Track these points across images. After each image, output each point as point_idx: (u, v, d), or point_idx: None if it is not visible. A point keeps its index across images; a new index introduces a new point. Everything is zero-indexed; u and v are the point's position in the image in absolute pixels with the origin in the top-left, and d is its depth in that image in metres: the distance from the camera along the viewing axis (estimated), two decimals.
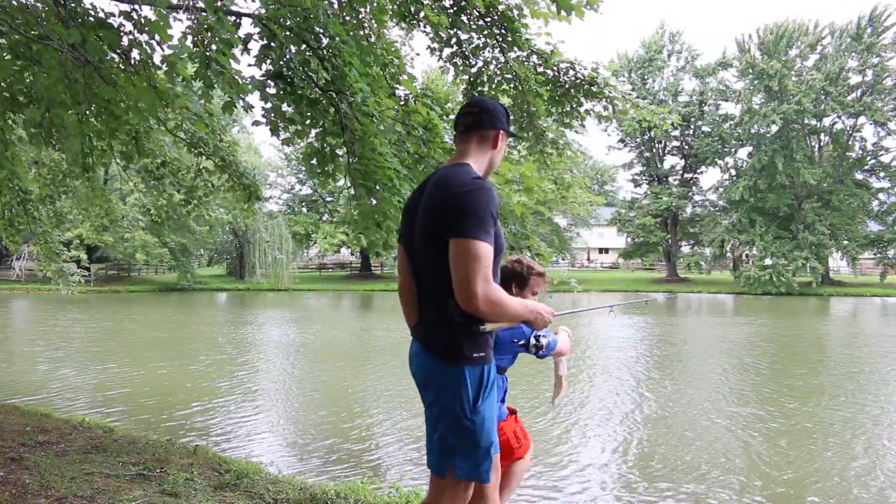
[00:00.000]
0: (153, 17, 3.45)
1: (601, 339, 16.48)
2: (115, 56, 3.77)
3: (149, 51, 3.63)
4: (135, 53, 3.75)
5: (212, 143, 6.67)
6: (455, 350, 1.96)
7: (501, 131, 2.15)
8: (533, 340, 2.32)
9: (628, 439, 7.40)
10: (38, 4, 3.79)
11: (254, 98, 4.59)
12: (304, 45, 4.22)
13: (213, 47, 3.80)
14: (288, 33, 4.15)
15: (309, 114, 4.08)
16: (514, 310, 1.97)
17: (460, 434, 1.98)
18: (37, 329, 19.01)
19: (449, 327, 1.97)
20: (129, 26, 3.67)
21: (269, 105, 4.10)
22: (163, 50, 3.59)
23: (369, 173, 3.82)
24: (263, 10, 4.04)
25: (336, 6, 4.65)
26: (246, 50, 4.39)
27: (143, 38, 3.66)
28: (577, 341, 16.28)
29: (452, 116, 5.53)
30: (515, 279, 2.96)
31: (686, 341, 16.98)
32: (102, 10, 3.91)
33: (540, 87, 4.69)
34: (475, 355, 1.97)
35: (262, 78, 4.20)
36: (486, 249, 1.86)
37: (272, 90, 4.22)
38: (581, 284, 5.26)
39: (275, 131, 4.13)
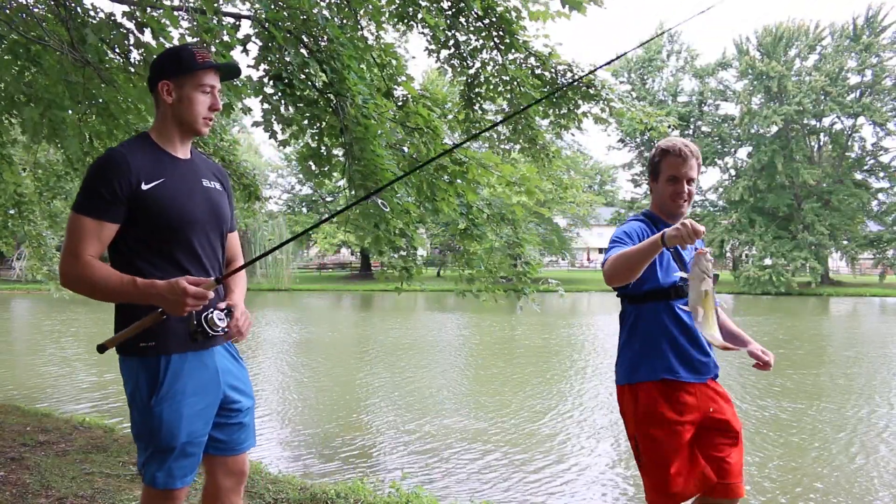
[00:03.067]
0: (156, 15, 3.47)
1: (606, 342, 16.50)
2: (116, 57, 3.79)
3: (154, 45, 3.64)
4: (135, 54, 3.77)
5: (212, 143, 6.70)
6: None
7: (165, 81, 1.88)
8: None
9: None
10: (41, 7, 3.80)
11: (252, 100, 4.62)
12: (302, 48, 4.24)
13: (213, 49, 3.82)
14: (287, 34, 4.17)
15: (307, 114, 4.11)
16: (112, 290, 1.72)
17: (138, 430, 1.85)
18: (37, 328, 19.03)
19: (116, 313, 1.85)
20: (130, 26, 3.70)
21: (268, 107, 4.12)
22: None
23: (369, 175, 3.84)
24: (263, 13, 4.06)
25: (334, 8, 4.67)
26: (245, 51, 4.42)
27: (145, 38, 3.68)
28: (578, 344, 16.30)
29: (451, 117, 5.55)
30: (649, 166, 2.52)
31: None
32: (102, 10, 3.93)
33: (536, 92, 4.71)
34: (141, 345, 1.80)
35: (259, 79, 4.23)
36: (80, 223, 1.75)
37: (270, 90, 4.25)
38: (565, 285, 5.23)
39: (269, 132, 4.15)
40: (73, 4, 3.76)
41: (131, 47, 3.71)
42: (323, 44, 4.19)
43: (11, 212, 8.84)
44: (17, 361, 12.84)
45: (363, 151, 3.79)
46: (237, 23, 4.47)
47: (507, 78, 4.80)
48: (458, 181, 4.36)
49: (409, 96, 4.78)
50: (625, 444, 7.18)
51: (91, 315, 22.29)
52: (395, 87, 4.81)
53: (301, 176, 51.21)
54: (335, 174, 4.36)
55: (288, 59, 4.21)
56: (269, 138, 4.17)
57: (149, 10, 3.79)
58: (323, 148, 4.27)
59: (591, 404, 9.12)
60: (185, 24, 3.97)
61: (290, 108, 4.11)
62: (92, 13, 3.91)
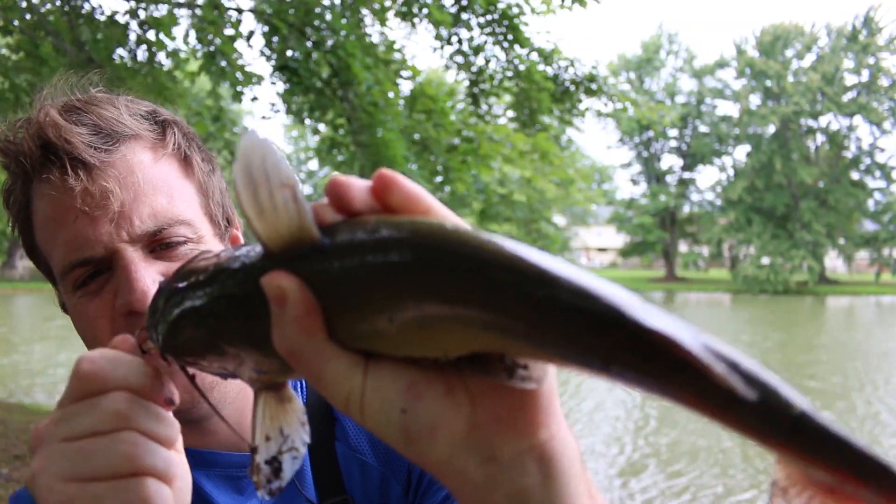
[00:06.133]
0: (158, 15, 3.47)
1: None
2: (122, 54, 3.80)
3: (161, 44, 3.67)
4: (140, 52, 3.78)
5: (221, 138, 6.75)
6: None
7: None
8: None
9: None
10: (47, 5, 3.80)
11: (259, 91, 4.63)
12: (306, 40, 4.26)
13: (218, 41, 3.82)
14: (290, 27, 4.19)
15: (315, 104, 4.16)
16: None
17: None
18: (39, 327, 18.99)
19: None
20: (134, 24, 3.69)
21: (280, 97, 4.18)
22: (169, 46, 3.62)
23: (379, 162, 3.86)
24: (268, 10, 4.07)
25: (339, 6, 4.69)
26: (249, 45, 4.43)
27: (150, 35, 3.69)
28: None
29: (458, 109, 5.60)
30: None
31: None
32: (104, 10, 3.93)
33: (544, 82, 4.74)
34: None
35: (270, 71, 4.26)
36: None
37: (279, 82, 4.29)
38: None
39: (297, 117, 4.22)
40: (77, 2, 3.75)
41: (141, 41, 3.71)
42: (326, 33, 4.21)
43: None
44: (20, 360, 12.82)
45: (372, 137, 3.81)
46: (239, 17, 4.48)
47: (513, 73, 4.82)
48: (470, 158, 4.39)
49: (417, 80, 4.79)
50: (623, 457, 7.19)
51: None
52: (400, 80, 4.84)
53: (303, 174, 51.43)
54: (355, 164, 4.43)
55: (292, 55, 4.23)
56: (295, 119, 4.23)
57: (151, 8, 3.79)
58: (339, 140, 4.34)
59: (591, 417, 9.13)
60: (187, 19, 3.98)
61: (298, 96, 4.16)
62: (97, 13, 3.91)
